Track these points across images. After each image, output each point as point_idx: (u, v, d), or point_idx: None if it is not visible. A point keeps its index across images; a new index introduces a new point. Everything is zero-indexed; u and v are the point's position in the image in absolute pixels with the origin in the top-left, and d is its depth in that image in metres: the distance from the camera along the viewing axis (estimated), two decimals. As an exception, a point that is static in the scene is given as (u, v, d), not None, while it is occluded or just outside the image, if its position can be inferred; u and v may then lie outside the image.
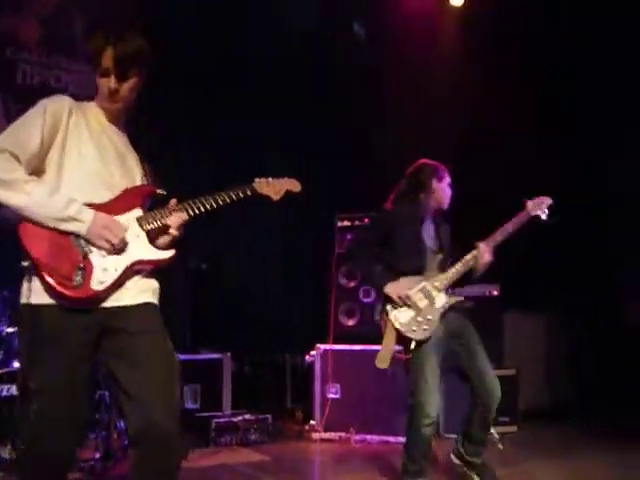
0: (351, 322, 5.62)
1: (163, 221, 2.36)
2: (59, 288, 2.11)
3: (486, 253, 3.54)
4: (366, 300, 5.60)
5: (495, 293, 5.66)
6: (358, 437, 5.19)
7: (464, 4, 6.48)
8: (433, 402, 3.50)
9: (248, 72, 6.25)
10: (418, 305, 3.47)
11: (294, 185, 2.67)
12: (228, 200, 2.45)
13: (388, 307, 3.53)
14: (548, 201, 3.62)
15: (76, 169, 2.23)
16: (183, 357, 5.44)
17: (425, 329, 3.46)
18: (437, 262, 3.64)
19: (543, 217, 3.60)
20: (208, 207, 2.41)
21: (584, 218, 6.45)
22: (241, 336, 6.34)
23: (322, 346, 5.44)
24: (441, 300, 3.53)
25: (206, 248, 6.19)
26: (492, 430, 4.97)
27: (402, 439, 4.98)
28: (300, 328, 6.20)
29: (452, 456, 3.82)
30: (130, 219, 2.30)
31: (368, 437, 5.19)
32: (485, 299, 5.64)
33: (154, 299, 2.37)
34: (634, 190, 6.25)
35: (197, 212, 2.41)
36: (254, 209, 6.25)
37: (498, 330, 5.97)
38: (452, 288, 3.66)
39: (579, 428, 5.68)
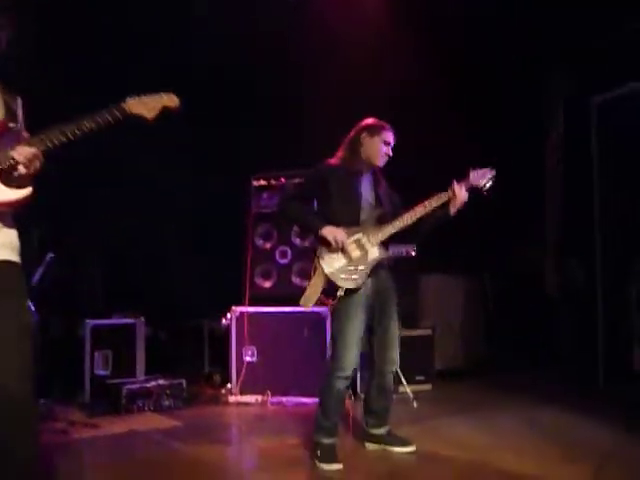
0: (267, 284, 5.53)
1: (9, 155, 2.13)
2: None
3: (461, 193, 3.55)
4: (282, 261, 5.52)
5: (412, 253, 5.68)
6: (274, 399, 5.15)
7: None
8: (349, 357, 3.47)
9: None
10: (351, 255, 3.47)
11: (171, 100, 2.40)
12: (93, 125, 2.20)
13: (321, 251, 3.51)
14: (491, 172, 3.62)
15: None
16: (94, 322, 5.29)
17: (354, 278, 3.45)
18: (375, 216, 3.62)
19: (486, 186, 3.61)
20: (69, 136, 2.16)
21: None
22: (157, 300, 6.17)
23: (238, 308, 5.34)
24: (374, 254, 3.52)
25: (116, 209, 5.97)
26: (407, 389, 5.08)
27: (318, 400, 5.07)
28: (217, 291, 6.08)
29: (366, 444, 3.84)
30: None
31: (284, 399, 5.16)
32: (403, 259, 5.65)
33: (14, 256, 2.18)
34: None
35: (54, 142, 2.15)
36: (168, 168, 6.17)
37: (414, 290, 6.05)
38: (390, 243, 3.65)
39: (491, 386, 5.83)
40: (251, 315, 5.32)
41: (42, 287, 4.83)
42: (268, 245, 5.58)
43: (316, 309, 5.21)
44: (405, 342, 5.33)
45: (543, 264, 7.37)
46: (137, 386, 4.95)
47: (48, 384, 5.01)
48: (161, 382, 5.05)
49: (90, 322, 5.28)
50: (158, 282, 6.30)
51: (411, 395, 5.04)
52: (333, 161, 3.69)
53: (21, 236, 2.28)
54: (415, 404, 4.96)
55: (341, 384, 3.51)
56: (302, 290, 5.32)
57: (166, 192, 6.27)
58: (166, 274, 6.42)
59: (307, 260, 5.42)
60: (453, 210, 3.58)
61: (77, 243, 5.90)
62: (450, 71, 6.33)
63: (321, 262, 3.49)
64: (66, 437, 4.17)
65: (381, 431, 3.80)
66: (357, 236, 3.51)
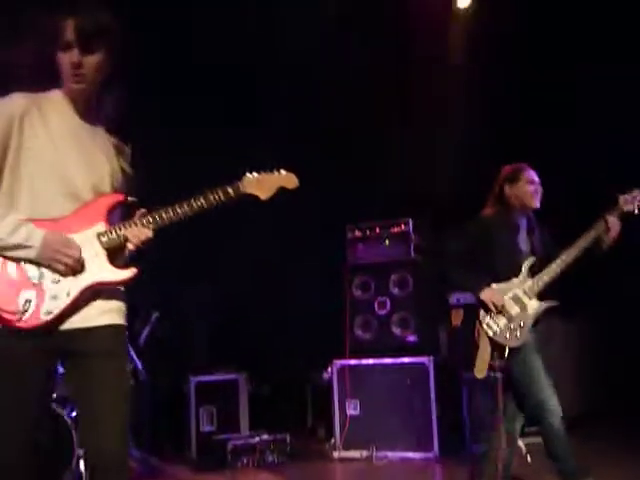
0: (367, 335, 5.46)
1: (122, 234, 2.12)
2: (6, 318, 1.98)
3: (615, 224, 3.38)
4: (381, 312, 5.44)
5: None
6: (380, 454, 5.01)
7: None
8: (552, 397, 3.35)
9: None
10: (510, 312, 3.40)
11: (289, 181, 2.31)
12: (206, 204, 2.16)
13: (482, 315, 3.46)
14: None
15: (34, 176, 2.07)
16: (198, 379, 5.37)
17: (517, 336, 3.39)
18: (528, 266, 3.51)
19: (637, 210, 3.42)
20: (180, 215, 2.14)
21: None
22: (259, 356, 6.23)
23: (338, 361, 5.29)
24: (533, 306, 3.43)
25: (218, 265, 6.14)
26: (520, 442, 4.81)
27: (428, 454, 4.90)
28: (317, 344, 6.07)
29: None
30: (90, 236, 2.10)
31: (390, 454, 5.01)
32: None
33: (119, 319, 2.17)
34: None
35: (165, 222, 2.13)
36: (268, 220, 6.30)
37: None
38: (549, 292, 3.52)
39: (607, 435, 5.44)
40: (352, 368, 5.26)
41: (149, 346, 5.00)
42: (366, 296, 5.53)
43: (418, 359, 5.09)
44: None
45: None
46: (241, 442, 4.97)
47: (158, 441, 5.12)
48: (265, 437, 5.05)
49: (194, 379, 5.38)
50: (261, 337, 6.38)
51: (524, 448, 4.77)
52: (488, 213, 3.65)
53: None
54: (529, 459, 4.69)
55: (561, 426, 3.35)
56: (402, 340, 5.30)
57: (264, 248, 6.40)
58: (268, 329, 6.49)
59: (406, 310, 5.34)
60: (607, 244, 3.41)
61: (181, 301, 6.09)
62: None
63: (483, 326, 3.45)
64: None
65: None
66: (514, 291, 3.44)
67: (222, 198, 2.20)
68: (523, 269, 3.48)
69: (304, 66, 5.87)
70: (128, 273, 2.13)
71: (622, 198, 3.42)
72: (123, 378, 2.19)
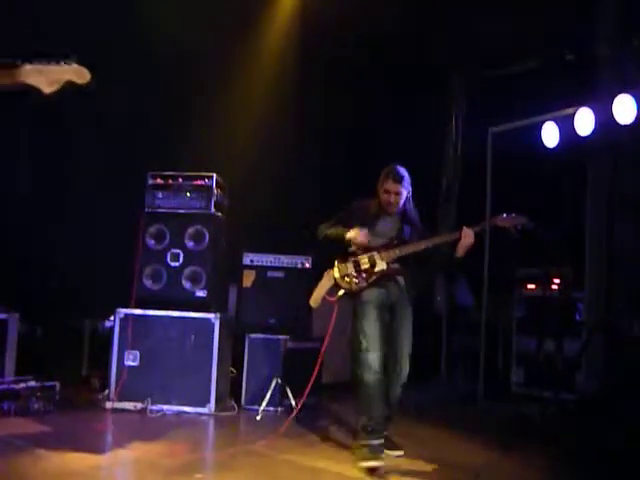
0: (156, 286, 5.30)
1: None
2: None
3: (468, 236, 3.86)
4: (174, 264, 5.31)
5: (307, 265, 5.63)
6: (155, 407, 4.93)
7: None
8: (374, 355, 3.80)
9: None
10: (360, 265, 3.96)
11: (80, 74, 2.13)
12: None
13: (338, 259, 4.01)
14: (522, 221, 3.89)
15: None
16: (-39, 316, 4.87)
17: (356, 282, 3.93)
18: (392, 244, 4.01)
19: (514, 232, 3.89)
20: None
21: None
22: (34, 297, 5.80)
23: (123, 310, 5.10)
24: (380, 266, 3.94)
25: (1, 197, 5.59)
26: (293, 402, 5.01)
27: (200, 409, 4.92)
28: (102, 290, 5.80)
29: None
30: None
31: (165, 407, 4.95)
32: (297, 270, 5.60)
33: None
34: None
35: None
36: (61, 155, 5.87)
37: (308, 303, 5.97)
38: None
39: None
40: (137, 318, 5.09)
41: None
42: (160, 246, 5.35)
43: (205, 315, 5.06)
44: (294, 355, 5.34)
45: (434, 283, 7.54)
46: (4, 387, 4.60)
47: None
48: (31, 384, 4.72)
49: (-43, 316, 4.88)
50: (39, 277, 5.94)
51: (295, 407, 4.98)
52: (364, 201, 4.14)
53: None
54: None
55: (373, 380, 3.78)
56: (191, 295, 5.24)
57: (64, 180, 5.97)
58: (49, 268, 6.07)
59: (199, 265, 5.27)
60: (460, 252, 3.89)
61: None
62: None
63: (334, 267, 4.00)
64: None
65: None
66: (372, 253, 3.97)
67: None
68: (380, 243, 4.00)
69: None
70: None
71: (500, 217, 3.91)
72: None
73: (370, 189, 4.08)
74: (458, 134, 7.70)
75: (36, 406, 4.68)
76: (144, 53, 6.01)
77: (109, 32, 5.82)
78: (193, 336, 5.06)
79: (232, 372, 5.52)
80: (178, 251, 5.33)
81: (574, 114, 5.53)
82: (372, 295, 3.94)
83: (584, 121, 5.47)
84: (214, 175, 5.41)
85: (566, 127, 5.63)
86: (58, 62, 2.08)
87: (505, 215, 3.91)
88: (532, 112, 5.96)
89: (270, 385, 5.18)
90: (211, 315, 5.07)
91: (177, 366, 5.02)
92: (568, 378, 5.65)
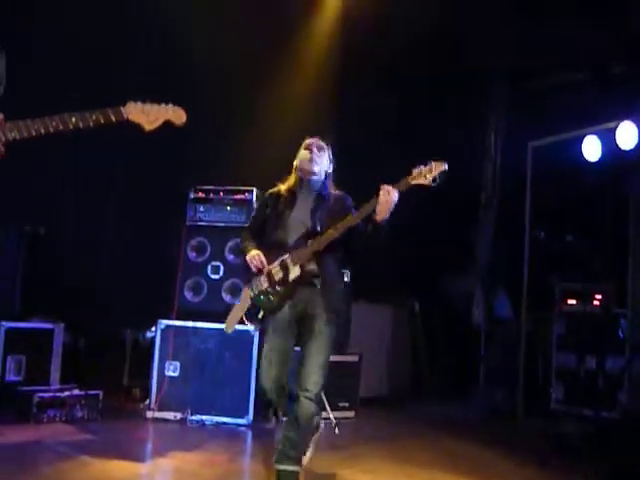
0: (197, 298, 5.41)
1: None
2: None
3: (388, 192, 3.26)
4: (214, 277, 5.41)
5: (345, 280, 5.66)
6: (195, 418, 5.01)
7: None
8: (263, 379, 3.41)
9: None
10: (274, 277, 3.44)
11: (177, 115, 2.25)
12: (82, 124, 2.00)
13: (251, 276, 3.53)
14: (439, 167, 3.28)
15: None
16: (9, 325, 5.04)
17: (271, 300, 3.44)
18: (304, 236, 3.45)
19: (434, 182, 3.27)
20: (49, 129, 1.96)
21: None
22: (80, 307, 5.95)
23: (164, 321, 5.20)
24: (294, 273, 3.41)
25: (46, 210, 5.77)
26: (330, 415, 5.04)
27: (239, 421, 4.98)
28: (144, 302, 5.91)
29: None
30: None
31: (204, 418, 5.02)
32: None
33: None
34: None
35: (30, 133, 1.94)
36: (104, 170, 6.04)
37: (345, 317, 6.00)
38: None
39: (413, 416, 5.86)
40: (177, 329, 5.19)
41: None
42: (200, 259, 5.46)
43: (244, 327, 5.12)
44: (331, 368, 5.37)
45: (473, 296, 7.50)
46: (49, 395, 4.73)
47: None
48: (76, 392, 4.85)
49: (5, 324, 5.03)
50: (84, 288, 6.09)
51: (334, 421, 5.01)
52: (276, 188, 3.68)
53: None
54: (337, 430, 4.92)
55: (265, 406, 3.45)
56: (230, 307, 5.30)
57: (104, 196, 6.13)
58: (93, 281, 6.21)
59: (239, 277, 5.35)
60: (378, 217, 3.28)
61: (7, 242, 5.65)
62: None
63: (247, 287, 3.54)
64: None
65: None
66: (283, 258, 3.43)
67: (101, 120, 2.06)
68: (293, 239, 3.45)
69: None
70: None
71: (415, 170, 3.31)
72: None
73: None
74: (497, 147, 7.65)
75: (80, 414, 4.80)
76: (185, 68, 6.16)
77: (154, 49, 6.00)
78: (233, 347, 5.12)
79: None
80: (218, 264, 5.43)
81: (616, 128, 5.48)
82: (279, 314, 3.44)
83: (626, 135, 5.42)
84: (254, 189, 5.50)
85: (608, 141, 5.58)
86: (159, 102, 2.22)
87: (423, 167, 3.27)
88: (572, 125, 5.91)
89: (308, 398, 5.21)
90: (250, 328, 5.13)
91: (216, 377, 5.08)
92: (610, 396, 5.55)
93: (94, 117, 2.05)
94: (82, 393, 4.86)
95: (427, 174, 3.27)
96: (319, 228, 3.46)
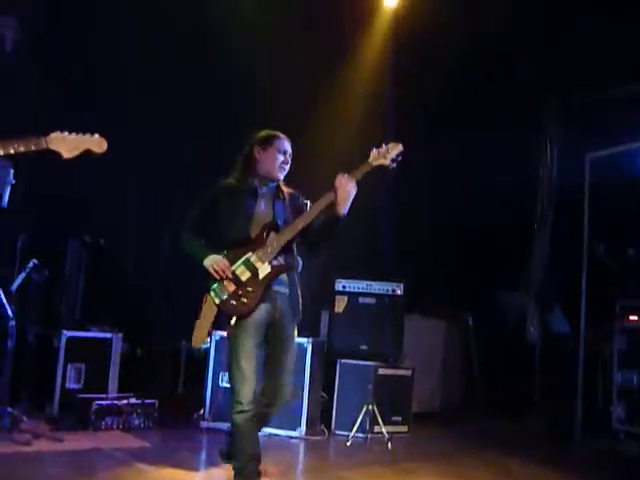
0: (250, 310, 5.45)
1: None
2: None
3: (344, 183, 3.22)
4: (269, 288, 5.46)
5: (399, 292, 5.63)
6: (247, 428, 5.04)
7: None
8: (246, 389, 3.19)
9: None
10: (240, 278, 3.23)
11: (98, 144, 2.42)
12: (2, 151, 2.16)
13: (211, 283, 3.27)
14: (397, 147, 3.29)
15: None
16: (70, 334, 5.19)
17: (245, 302, 3.21)
18: (265, 232, 3.32)
19: (393, 164, 3.28)
20: None
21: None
22: (137, 317, 6.08)
23: (218, 333, 5.26)
24: (265, 270, 3.24)
25: (107, 222, 5.93)
26: (383, 429, 5.01)
27: (291, 433, 4.99)
28: (198, 313, 5.99)
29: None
30: None
31: (257, 429, 5.05)
32: (389, 297, 5.61)
33: None
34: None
35: None
36: (163, 182, 6.17)
37: (399, 330, 5.96)
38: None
39: (467, 432, 5.77)
40: (231, 340, 5.24)
41: (22, 293, 4.76)
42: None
43: (298, 340, 5.13)
44: (384, 381, 5.34)
45: (527, 312, 7.36)
46: (107, 403, 4.85)
47: (17, 393, 4.91)
48: (132, 401, 4.95)
49: (66, 333, 5.18)
50: (141, 299, 6.22)
51: (387, 435, 4.97)
52: (228, 180, 3.49)
53: (5, 242, 2.27)
54: (390, 445, 4.88)
55: (239, 419, 3.20)
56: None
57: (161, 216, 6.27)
58: (151, 292, 6.34)
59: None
60: (338, 208, 3.23)
61: (62, 251, 5.84)
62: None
63: (211, 294, 3.26)
64: (28, 449, 4.04)
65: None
66: (246, 256, 3.26)
67: (22, 149, 2.22)
68: (256, 234, 3.31)
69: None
70: None
71: (372, 153, 3.29)
72: None
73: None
74: (553, 159, 7.52)
75: (137, 422, 4.90)
76: (235, 87, 6.27)
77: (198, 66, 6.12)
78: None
79: (323, 397, 5.56)
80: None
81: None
82: (253, 315, 3.22)
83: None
84: (308, 202, 5.52)
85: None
86: (82, 133, 2.37)
87: (380, 149, 3.26)
88: (628, 138, 5.78)
89: (360, 411, 5.18)
90: (303, 340, 5.15)
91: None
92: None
93: (15, 145, 2.22)
94: (139, 402, 4.96)
95: (385, 154, 3.27)
96: (281, 223, 3.35)
